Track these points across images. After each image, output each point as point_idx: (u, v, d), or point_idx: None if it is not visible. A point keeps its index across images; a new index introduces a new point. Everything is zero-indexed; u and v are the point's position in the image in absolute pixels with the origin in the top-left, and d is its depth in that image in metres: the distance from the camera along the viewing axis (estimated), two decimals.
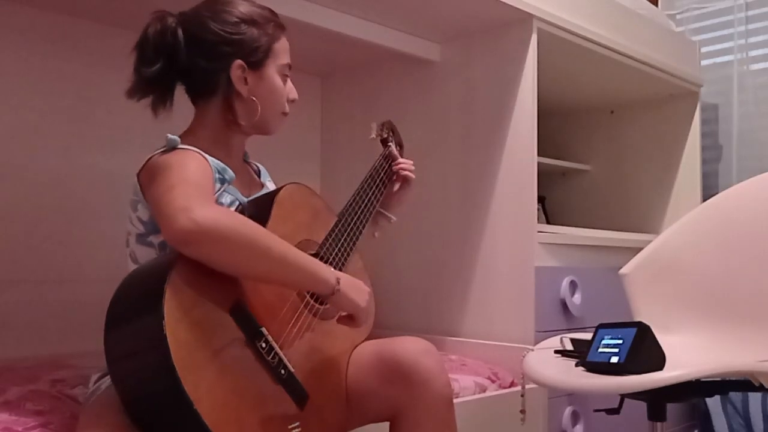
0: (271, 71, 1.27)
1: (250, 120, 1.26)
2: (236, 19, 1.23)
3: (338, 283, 1.12)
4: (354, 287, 1.16)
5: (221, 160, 1.21)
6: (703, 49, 2.78)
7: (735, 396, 2.38)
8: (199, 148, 1.17)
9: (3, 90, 1.80)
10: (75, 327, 1.83)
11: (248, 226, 1.02)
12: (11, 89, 1.81)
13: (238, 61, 1.23)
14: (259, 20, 1.25)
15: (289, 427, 1.04)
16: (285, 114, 1.32)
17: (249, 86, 1.24)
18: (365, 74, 2.41)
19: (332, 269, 1.14)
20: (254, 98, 1.25)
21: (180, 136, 1.20)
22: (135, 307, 0.97)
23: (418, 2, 1.88)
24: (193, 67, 1.23)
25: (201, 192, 1.04)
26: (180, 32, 1.22)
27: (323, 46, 2.18)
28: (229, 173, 1.21)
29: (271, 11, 1.30)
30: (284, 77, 1.30)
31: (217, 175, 1.18)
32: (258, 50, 1.24)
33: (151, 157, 1.17)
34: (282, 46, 1.29)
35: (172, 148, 1.16)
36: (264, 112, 1.26)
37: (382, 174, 1.47)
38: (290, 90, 1.31)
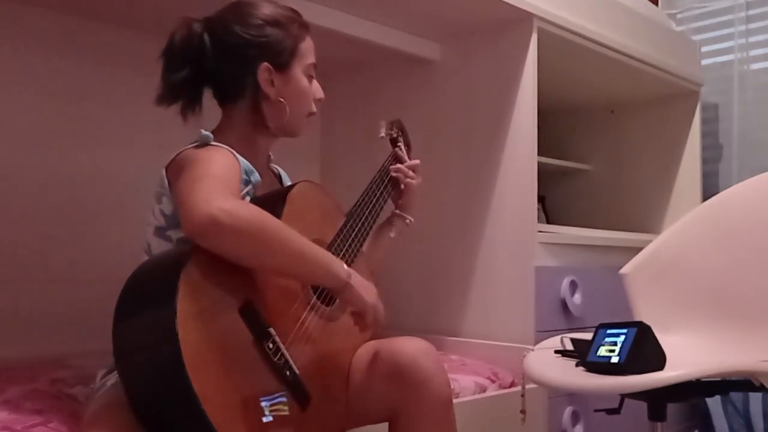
0: (298, 72, 1.27)
1: (279, 122, 1.26)
2: (260, 22, 1.23)
3: (350, 278, 1.12)
4: (364, 285, 1.16)
5: (249, 162, 1.21)
6: (704, 49, 2.78)
7: (735, 396, 2.38)
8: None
9: (3, 90, 1.79)
10: (75, 327, 1.82)
11: (266, 219, 1.02)
12: (11, 89, 1.80)
13: (265, 64, 1.23)
14: (283, 21, 1.25)
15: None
16: (312, 114, 1.32)
17: (276, 88, 1.25)
18: (365, 74, 2.40)
19: (345, 266, 1.14)
20: (282, 99, 1.25)
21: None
22: (147, 301, 0.97)
23: (418, 2, 1.88)
24: (220, 71, 1.23)
25: (225, 186, 1.04)
26: (206, 37, 1.22)
27: (323, 46, 2.17)
28: (255, 176, 1.21)
29: (294, 11, 1.29)
30: (310, 77, 1.30)
31: (244, 176, 1.17)
32: (284, 52, 1.25)
33: (181, 151, 1.17)
34: (307, 45, 1.29)
35: (204, 144, 1.16)
36: (292, 113, 1.27)
37: (391, 174, 1.46)
38: (316, 89, 1.32)
